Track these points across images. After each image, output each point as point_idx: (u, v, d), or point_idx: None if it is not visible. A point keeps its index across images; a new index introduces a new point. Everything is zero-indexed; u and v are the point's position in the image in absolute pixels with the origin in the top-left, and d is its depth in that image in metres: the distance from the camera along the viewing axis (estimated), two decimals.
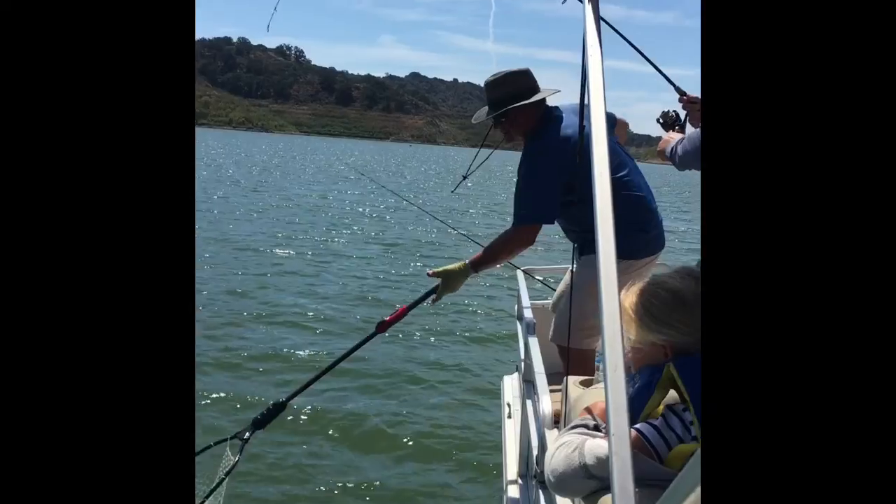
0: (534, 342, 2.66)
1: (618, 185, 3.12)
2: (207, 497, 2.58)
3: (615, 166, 3.14)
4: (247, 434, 2.85)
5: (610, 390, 0.99)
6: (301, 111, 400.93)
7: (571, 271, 3.28)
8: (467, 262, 3.19)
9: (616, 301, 1.09)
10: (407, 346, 7.64)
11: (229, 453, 2.73)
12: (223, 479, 2.63)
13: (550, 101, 3.29)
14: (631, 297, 1.55)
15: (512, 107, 3.18)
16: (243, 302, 8.88)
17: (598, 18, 1.66)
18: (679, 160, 2.62)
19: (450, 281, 3.18)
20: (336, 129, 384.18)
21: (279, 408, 2.98)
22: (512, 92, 3.21)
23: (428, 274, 3.24)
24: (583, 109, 1.60)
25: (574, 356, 2.86)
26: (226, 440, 2.81)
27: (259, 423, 2.95)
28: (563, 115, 3.20)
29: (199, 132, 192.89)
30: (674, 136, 2.72)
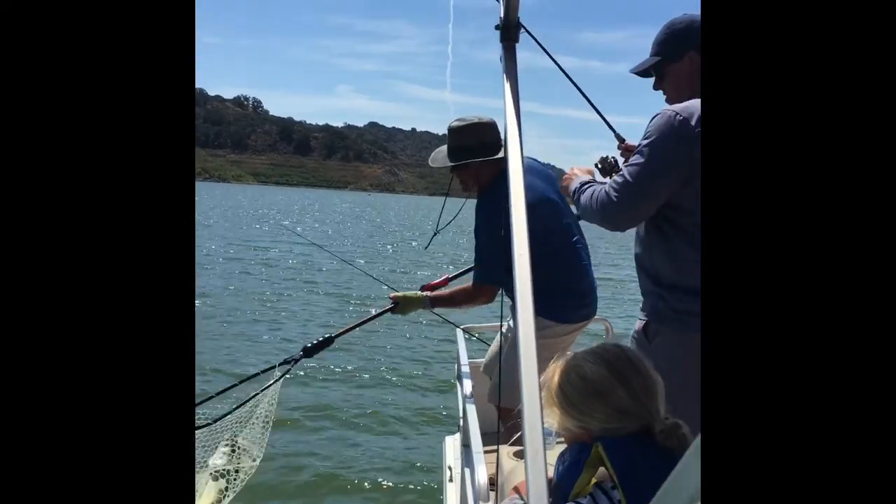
0: (471, 407, 2.62)
1: (568, 251, 3.13)
2: (248, 401, 2.79)
3: (563, 231, 3.13)
4: (297, 356, 3.09)
5: (531, 478, 0.97)
6: (259, 161, 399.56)
7: (501, 332, 3.30)
8: (428, 295, 3.23)
9: (536, 387, 1.07)
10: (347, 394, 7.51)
11: (278, 373, 2.89)
12: (269, 386, 2.83)
13: None
14: (553, 376, 1.53)
15: (473, 161, 3.10)
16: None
17: (517, 95, 1.69)
18: (581, 210, 2.40)
19: (406, 306, 3.28)
20: (294, 179, 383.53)
21: (328, 341, 3.20)
22: (475, 143, 3.11)
23: (390, 297, 3.32)
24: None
25: (510, 416, 2.87)
26: (274, 367, 2.99)
27: (308, 351, 3.14)
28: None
29: None
30: (578, 173, 2.53)
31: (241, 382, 2.97)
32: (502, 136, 3.19)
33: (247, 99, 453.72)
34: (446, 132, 3.23)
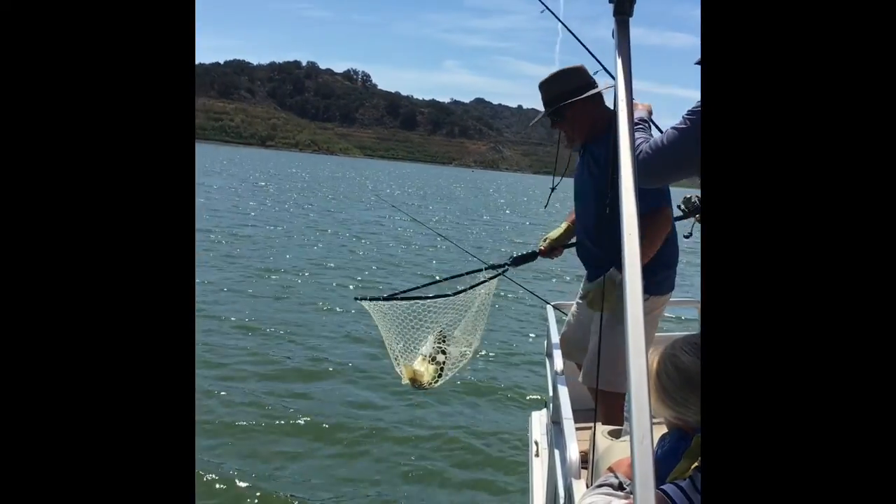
0: (562, 383, 2.62)
1: (663, 221, 3.01)
2: (454, 294, 3.18)
3: (662, 196, 3.02)
4: (507, 261, 3.46)
5: (637, 461, 0.95)
6: (366, 134, 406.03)
7: (579, 301, 3.36)
8: None
9: (644, 370, 1.05)
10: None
11: (485, 275, 3.34)
12: (479, 284, 3.27)
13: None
14: (652, 363, 1.50)
15: (563, 104, 3.04)
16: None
17: (629, 71, 1.64)
18: (644, 163, 2.13)
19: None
20: (399, 153, 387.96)
21: (532, 256, 3.50)
22: (564, 90, 3.06)
23: None
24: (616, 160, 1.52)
25: (605, 398, 2.83)
26: (481, 269, 3.40)
27: (515, 261, 3.47)
28: None
29: (267, 154, 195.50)
30: (642, 107, 2.42)
31: (448, 279, 3.37)
32: (591, 79, 3.12)
33: (356, 73, 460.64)
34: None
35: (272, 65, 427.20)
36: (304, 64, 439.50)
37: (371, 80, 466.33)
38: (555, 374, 2.85)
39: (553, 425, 2.69)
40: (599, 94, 3.06)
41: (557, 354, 2.99)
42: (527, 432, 4.29)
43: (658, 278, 3.06)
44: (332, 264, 14.44)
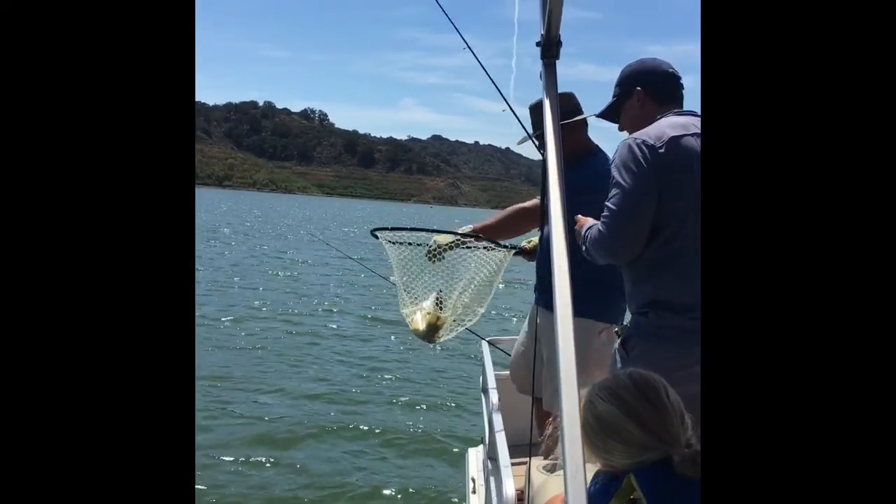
0: (498, 419, 2.64)
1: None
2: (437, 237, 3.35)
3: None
4: (515, 245, 3.63)
5: (570, 495, 0.97)
6: (324, 173, 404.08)
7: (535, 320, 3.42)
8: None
9: (575, 400, 1.07)
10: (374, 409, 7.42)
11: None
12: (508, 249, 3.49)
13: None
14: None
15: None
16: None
17: (557, 112, 1.71)
18: (586, 252, 2.37)
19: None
20: (358, 191, 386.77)
21: (518, 252, 3.62)
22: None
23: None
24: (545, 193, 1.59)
25: (544, 425, 2.90)
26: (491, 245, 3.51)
27: (518, 251, 3.62)
28: (600, 153, 3.25)
29: (224, 194, 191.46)
30: (585, 222, 2.52)
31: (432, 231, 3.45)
32: (578, 106, 3.25)
33: (313, 112, 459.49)
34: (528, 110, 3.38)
35: (228, 105, 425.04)
36: (260, 104, 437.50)
37: (328, 119, 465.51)
38: (490, 410, 2.86)
39: (489, 461, 2.68)
40: (585, 121, 3.25)
41: (493, 391, 3.00)
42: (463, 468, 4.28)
43: (621, 308, 3.22)
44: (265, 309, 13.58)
